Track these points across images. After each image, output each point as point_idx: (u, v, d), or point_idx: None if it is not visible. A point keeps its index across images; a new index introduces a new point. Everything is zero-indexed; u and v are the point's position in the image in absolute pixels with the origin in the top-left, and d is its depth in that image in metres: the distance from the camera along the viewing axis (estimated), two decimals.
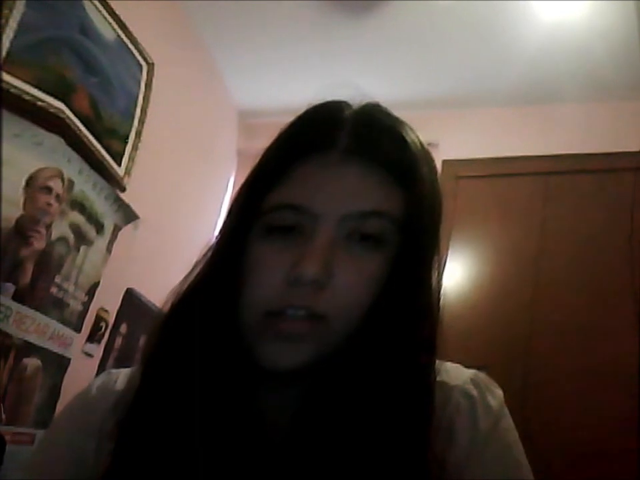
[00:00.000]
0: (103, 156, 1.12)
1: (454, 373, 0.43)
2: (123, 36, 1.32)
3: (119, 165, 1.19)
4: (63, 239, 0.89)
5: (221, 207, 1.90)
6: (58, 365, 0.96)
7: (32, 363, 0.85)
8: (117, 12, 1.27)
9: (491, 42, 1.93)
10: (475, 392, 0.42)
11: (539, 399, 1.66)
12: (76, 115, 1.04)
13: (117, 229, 1.13)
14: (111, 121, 1.21)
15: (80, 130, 1.05)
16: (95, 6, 1.19)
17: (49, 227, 0.85)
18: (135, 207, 1.20)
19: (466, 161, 2.13)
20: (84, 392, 0.46)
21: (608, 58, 1.91)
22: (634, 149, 1.99)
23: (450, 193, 2.02)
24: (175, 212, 1.51)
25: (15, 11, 0.90)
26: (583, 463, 1.48)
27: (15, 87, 0.87)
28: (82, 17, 1.14)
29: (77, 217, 0.95)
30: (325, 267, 0.36)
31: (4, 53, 0.84)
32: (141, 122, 1.36)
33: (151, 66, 1.45)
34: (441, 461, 0.36)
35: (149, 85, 1.43)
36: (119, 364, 1.22)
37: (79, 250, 0.96)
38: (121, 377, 0.45)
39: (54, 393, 0.95)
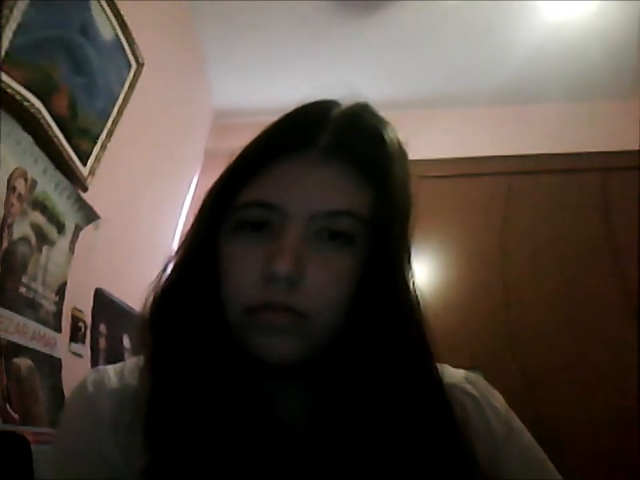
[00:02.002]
0: (69, 156, 1.14)
1: (445, 371, 0.44)
2: (121, 35, 1.34)
3: (85, 164, 1.22)
4: (24, 239, 0.91)
5: (183, 206, 1.92)
6: (50, 364, 0.96)
7: (24, 362, 0.84)
8: (122, 11, 1.28)
9: (484, 43, 1.93)
10: (475, 392, 0.43)
11: (544, 398, 1.64)
12: (52, 115, 1.06)
13: (78, 229, 1.14)
14: (86, 121, 1.23)
15: (52, 130, 1.07)
16: (101, 6, 1.21)
17: (10, 227, 0.87)
18: (97, 206, 1.23)
19: (430, 161, 2.12)
20: (80, 390, 0.45)
21: (600, 58, 1.92)
22: (607, 148, 2.01)
23: (413, 193, 2.03)
24: (136, 212, 1.53)
25: (16, 11, 0.92)
26: (595, 460, 1.46)
27: (10, 87, 0.89)
28: (85, 17, 1.16)
29: (38, 217, 0.97)
30: (297, 264, 0.37)
31: (3, 53, 0.86)
32: (115, 122, 1.38)
33: (140, 66, 1.46)
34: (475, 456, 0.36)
35: (132, 85, 1.44)
36: (110, 364, 1.22)
37: (41, 250, 0.97)
38: (112, 374, 0.46)
39: (57, 392, 0.95)
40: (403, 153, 0.43)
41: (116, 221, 1.31)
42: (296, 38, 1.98)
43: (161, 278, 0.43)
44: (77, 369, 1.09)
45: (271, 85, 2.15)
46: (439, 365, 0.42)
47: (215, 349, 0.38)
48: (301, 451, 0.36)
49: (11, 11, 0.88)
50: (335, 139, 0.41)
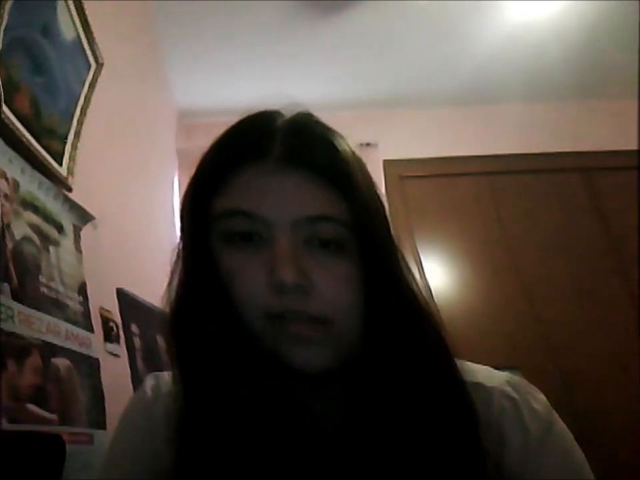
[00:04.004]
0: (43, 156, 1.08)
1: (486, 374, 0.44)
2: (82, 35, 1.32)
3: (61, 164, 1.16)
4: (27, 239, 0.85)
5: (173, 205, 1.91)
6: (88, 364, 0.92)
7: (62, 363, 0.82)
8: (87, 11, 1.28)
9: (447, 43, 1.97)
10: (515, 395, 0.43)
11: (584, 396, 1.68)
12: (15, 115, 1.01)
13: (77, 229, 1.09)
14: (50, 120, 1.18)
15: (18, 130, 1.01)
16: (67, 5, 1.20)
17: (7, 227, 0.81)
18: (86, 207, 1.16)
19: (407, 160, 2.19)
20: (140, 395, 0.47)
21: (564, 57, 1.99)
22: (574, 148, 2.11)
23: (397, 193, 2.05)
24: (127, 211, 1.48)
25: (4, 11, 0.91)
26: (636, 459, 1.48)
27: None
28: (49, 17, 1.14)
29: (33, 217, 0.91)
30: (300, 272, 0.38)
31: None
32: (80, 122, 1.32)
33: (100, 66, 1.43)
34: (497, 463, 0.37)
35: (92, 85, 1.40)
36: (147, 364, 1.21)
37: (48, 250, 0.92)
38: (168, 379, 0.46)
39: (97, 393, 0.92)
40: (357, 157, 0.44)
41: (111, 221, 1.26)
42: (258, 39, 1.99)
43: (170, 290, 0.43)
44: (115, 368, 1.06)
45: (235, 85, 2.13)
46: (477, 367, 0.44)
47: (243, 356, 0.38)
48: (333, 452, 0.37)
49: (4, 11, 0.88)
50: (285, 149, 0.42)
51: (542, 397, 0.44)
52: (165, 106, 2.05)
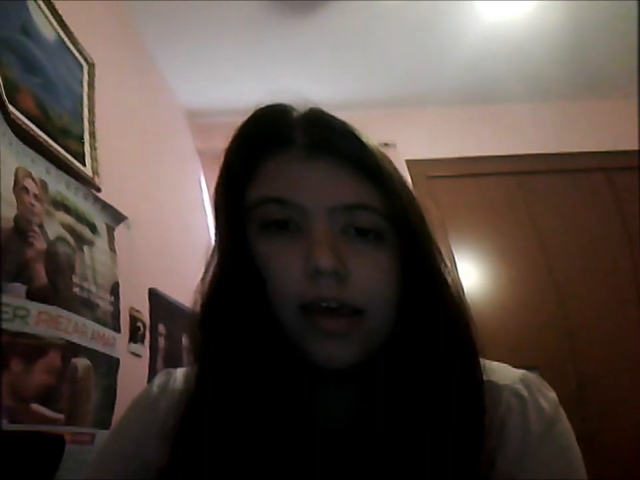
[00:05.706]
0: (65, 156, 1.02)
1: (502, 372, 0.43)
2: (63, 36, 1.25)
3: (84, 165, 1.09)
4: (61, 239, 0.82)
5: (204, 205, 1.87)
6: (108, 365, 0.90)
7: (81, 363, 0.81)
8: (60, 11, 1.20)
9: (425, 44, 1.93)
10: (525, 392, 0.42)
11: (595, 398, 1.63)
12: (24, 115, 0.94)
13: (110, 229, 1.05)
14: (62, 121, 1.12)
15: (32, 130, 0.95)
16: (39, 5, 1.14)
17: (41, 227, 0.76)
18: (117, 207, 1.11)
19: (431, 160, 2.12)
20: (146, 391, 0.46)
21: (546, 58, 1.93)
22: (580, 148, 2.08)
23: (425, 193, 1.97)
24: (157, 211, 1.44)
25: None
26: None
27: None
28: (24, 17, 1.08)
29: (66, 217, 0.87)
30: (337, 257, 0.36)
31: None
32: (91, 122, 1.26)
33: (91, 66, 1.37)
34: (491, 459, 0.36)
35: (91, 85, 1.34)
36: (168, 364, 1.17)
37: (82, 250, 0.89)
38: (179, 376, 0.46)
39: (109, 392, 0.90)
40: (379, 149, 0.43)
41: (143, 221, 1.22)
42: (241, 39, 1.89)
43: (204, 281, 0.42)
44: (135, 368, 1.05)
45: (237, 84, 2.04)
46: (496, 365, 0.43)
47: (265, 349, 0.37)
48: (338, 452, 0.36)
49: None
50: (308, 137, 0.41)
51: (552, 394, 0.43)
52: (170, 104, 1.95)
